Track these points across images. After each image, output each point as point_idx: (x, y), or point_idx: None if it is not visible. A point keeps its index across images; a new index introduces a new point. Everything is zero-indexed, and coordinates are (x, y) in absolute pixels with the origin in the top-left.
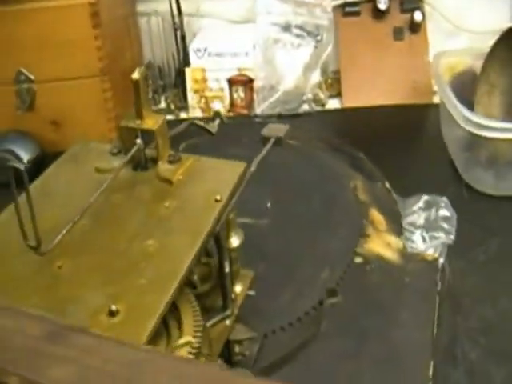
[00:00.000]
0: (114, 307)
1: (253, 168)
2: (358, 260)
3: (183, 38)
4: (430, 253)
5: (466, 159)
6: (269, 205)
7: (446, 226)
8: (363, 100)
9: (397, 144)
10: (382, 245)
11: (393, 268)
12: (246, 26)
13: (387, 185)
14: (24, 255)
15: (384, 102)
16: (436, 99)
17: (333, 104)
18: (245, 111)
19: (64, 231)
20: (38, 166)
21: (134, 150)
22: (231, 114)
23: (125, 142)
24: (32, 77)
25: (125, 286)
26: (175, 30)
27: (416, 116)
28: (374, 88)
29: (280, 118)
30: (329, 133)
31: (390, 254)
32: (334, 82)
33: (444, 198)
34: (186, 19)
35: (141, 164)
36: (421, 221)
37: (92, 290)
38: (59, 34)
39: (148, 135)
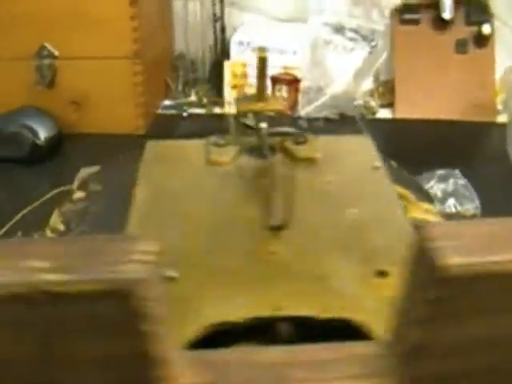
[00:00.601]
0: (381, 268)
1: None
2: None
3: (223, 29)
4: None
5: None
6: None
7: (467, 193)
8: (417, 113)
9: (454, 162)
10: (421, 212)
11: None
12: (294, 25)
13: (393, 163)
14: (223, 247)
15: (440, 116)
16: (501, 118)
17: (384, 113)
18: (287, 112)
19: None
20: (55, 145)
21: (263, 133)
22: (271, 113)
23: (240, 127)
24: (56, 52)
25: (369, 251)
26: (215, 20)
27: (476, 133)
28: (430, 101)
29: (328, 121)
30: (378, 142)
31: (433, 217)
32: (385, 92)
33: (456, 171)
34: (226, 10)
35: (260, 150)
36: (439, 192)
37: (342, 263)
38: (92, 11)
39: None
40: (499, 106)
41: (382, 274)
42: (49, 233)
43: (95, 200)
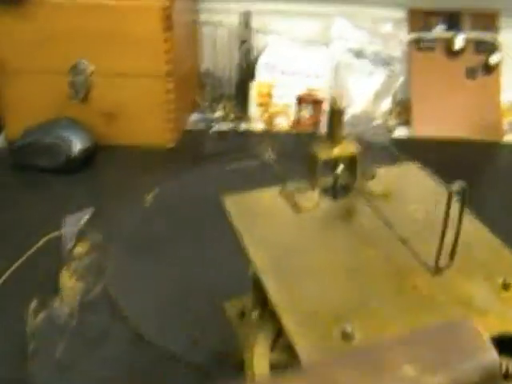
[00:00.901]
0: (504, 281)
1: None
2: None
3: (249, 51)
4: None
5: None
6: None
7: None
8: (432, 131)
9: (462, 176)
10: None
11: None
12: (317, 48)
13: None
14: (368, 291)
15: (451, 135)
16: (507, 138)
17: (400, 132)
18: (309, 129)
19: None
20: (89, 156)
21: (339, 176)
22: (294, 130)
23: (318, 173)
24: (91, 68)
25: (484, 268)
26: (242, 42)
27: (483, 151)
28: (442, 121)
29: None
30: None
31: None
32: (402, 111)
33: None
34: (253, 34)
35: (335, 192)
36: None
37: (471, 284)
38: (128, 32)
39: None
40: (505, 127)
41: (506, 286)
42: (67, 293)
43: (102, 253)
